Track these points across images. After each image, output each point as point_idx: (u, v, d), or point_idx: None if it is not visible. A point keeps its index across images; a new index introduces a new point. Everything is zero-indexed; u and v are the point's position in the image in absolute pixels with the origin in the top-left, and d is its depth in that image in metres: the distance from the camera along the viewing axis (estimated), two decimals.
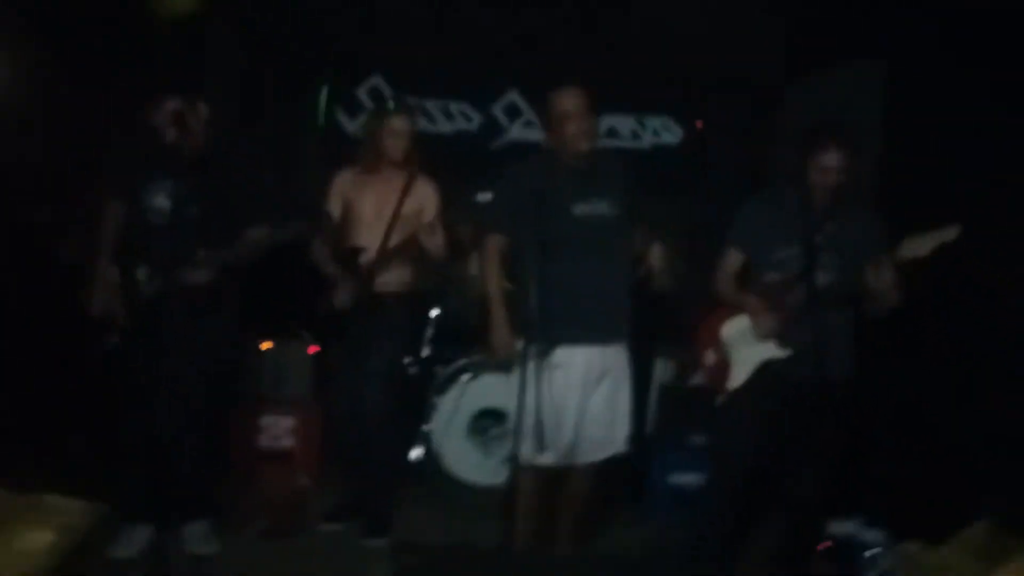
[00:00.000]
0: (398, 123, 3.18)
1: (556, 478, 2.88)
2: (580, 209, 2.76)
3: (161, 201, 2.89)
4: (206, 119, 2.89)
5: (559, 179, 2.76)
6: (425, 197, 3.21)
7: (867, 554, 3.01)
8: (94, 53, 3.92)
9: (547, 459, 2.74)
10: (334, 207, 3.26)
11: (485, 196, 3.13)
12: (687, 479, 3.60)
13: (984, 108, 3.18)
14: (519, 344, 2.68)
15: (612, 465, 2.92)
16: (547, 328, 2.54)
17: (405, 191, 3.18)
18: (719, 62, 4.92)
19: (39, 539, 2.68)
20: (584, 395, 2.77)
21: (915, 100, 3.71)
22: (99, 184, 3.20)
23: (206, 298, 2.83)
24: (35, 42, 3.40)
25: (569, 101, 2.75)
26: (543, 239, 2.59)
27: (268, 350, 3.83)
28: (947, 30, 3.41)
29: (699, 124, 5.27)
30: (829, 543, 3.04)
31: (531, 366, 2.58)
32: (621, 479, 3.41)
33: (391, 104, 3.36)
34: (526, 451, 2.63)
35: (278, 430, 3.71)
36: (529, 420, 2.60)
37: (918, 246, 2.46)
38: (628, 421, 2.89)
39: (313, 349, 3.85)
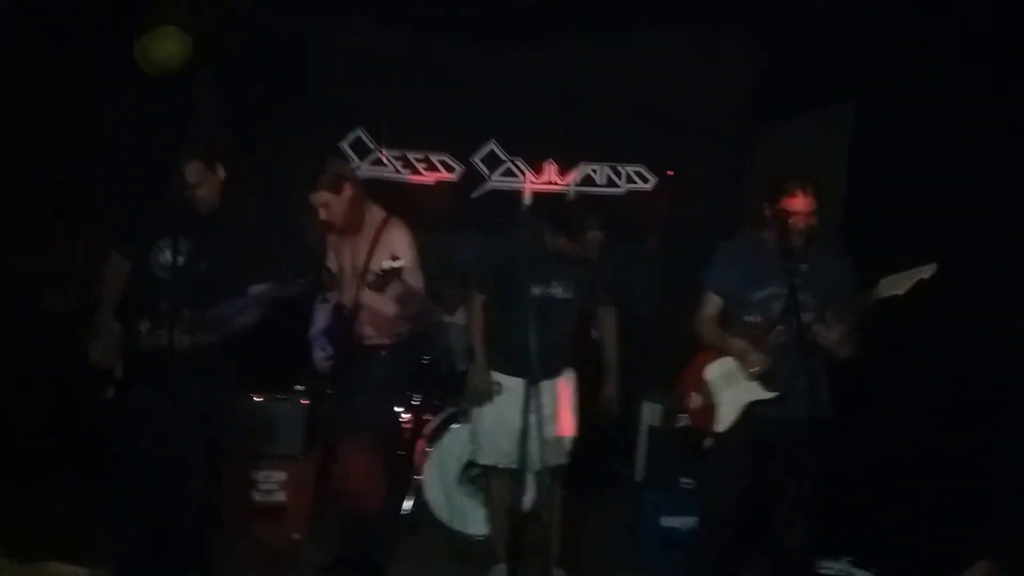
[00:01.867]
0: (320, 198, 3.14)
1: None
2: (537, 291, 3.16)
3: (168, 257, 2.90)
4: (222, 179, 2.95)
5: (522, 262, 3.14)
6: (395, 243, 3.16)
7: None
8: (95, 107, 3.98)
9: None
10: (332, 264, 3.31)
11: (463, 257, 3.25)
12: (678, 522, 3.64)
13: (951, 148, 3.29)
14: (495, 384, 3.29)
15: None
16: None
17: (374, 242, 3.19)
18: (690, 111, 5.10)
19: None
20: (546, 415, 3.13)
21: (881, 143, 3.85)
22: (98, 236, 3.22)
23: (207, 353, 2.83)
24: (39, 92, 3.43)
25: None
26: (506, 309, 3.18)
27: (260, 403, 3.82)
28: (912, 74, 3.55)
29: (670, 172, 5.44)
30: None
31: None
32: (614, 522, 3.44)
33: (318, 175, 3.17)
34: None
35: (271, 484, 3.71)
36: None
37: (896, 285, 2.52)
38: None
39: (306, 403, 3.86)
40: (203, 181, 2.87)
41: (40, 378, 3.37)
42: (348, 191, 3.16)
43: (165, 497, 2.43)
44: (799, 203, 2.74)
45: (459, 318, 4.56)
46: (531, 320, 2.84)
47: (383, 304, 3.10)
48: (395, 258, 2.86)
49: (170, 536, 2.48)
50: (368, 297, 3.09)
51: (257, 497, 3.72)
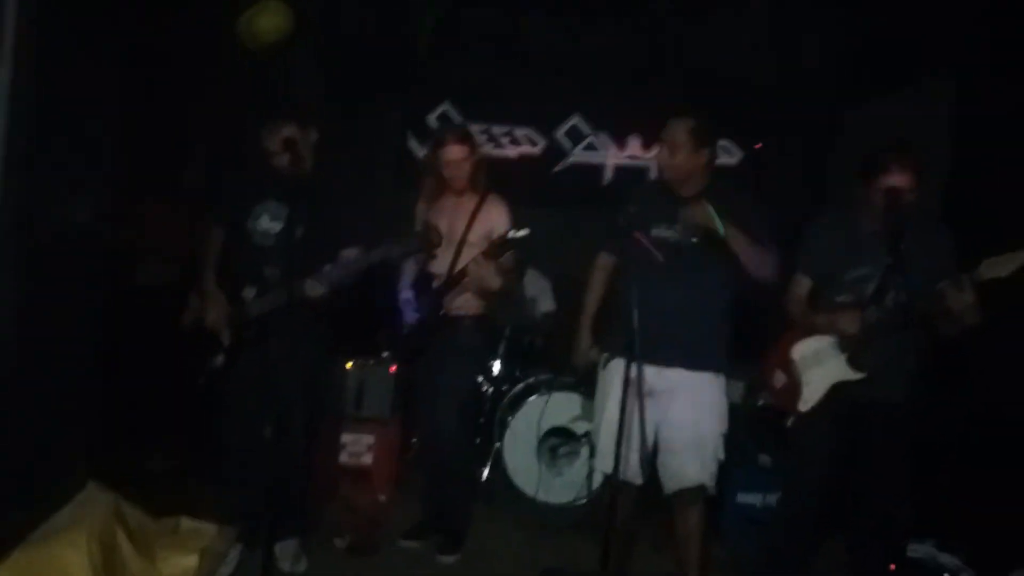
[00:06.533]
0: (453, 151, 3.19)
1: (641, 499, 2.90)
2: (660, 232, 2.81)
3: (267, 223, 2.98)
4: (314, 144, 2.98)
5: (653, 204, 2.82)
6: (495, 219, 3.19)
7: None
8: (189, 79, 4.10)
9: (634, 478, 2.81)
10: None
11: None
12: (756, 498, 3.63)
13: None
14: (598, 356, 2.90)
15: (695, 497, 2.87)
16: (631, 346, 2.52)
17: (474, 214, 3.22)
18: (780, 84, 4.97)
19: (184, 564, 2.78)
20: (659, 415, 2.79)
21: (984, 119, 3.69)
22: (196, 208, 3.30)
23: (308, 316, 2.88)
24: (133, 66, 3.58)
25: (667, 131, 2.79)
26: (634, 261, 2.71)
27: (350, 369, 3.95)
28: (1015, 47, 3.39)
29: (758, 146, 5.32)
30: (901, 565, 3.04)
31: (614, 382, 2.67)
32: None
33: (444, 133, 3.28)
34: (604, 467, 2.79)
35: (359, 446, 3.85)
36: (606, 437, 2.73)
37: (999, 266, 2.43)
38: (709, 455, 2.82)
39: (393, 369, 3.96)
40: (296, 143, 2.84)
41: (152, 348, 3.51)
42: (477, 151, 3.25)
43: (271, 459, 2.53)
44: (898, 179, 2.66)
45: (529, 289, 4.63)
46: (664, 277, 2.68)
47: (488, 275, 3.05)
48: (518, 228, 2.91)
49: (275, 497, 2.57)
50: (473, 267, 3.03)
51: (345, 459, 3.85)
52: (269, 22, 3.95)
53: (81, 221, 2.13)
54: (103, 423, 2.81)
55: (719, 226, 2.61)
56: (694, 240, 2.75)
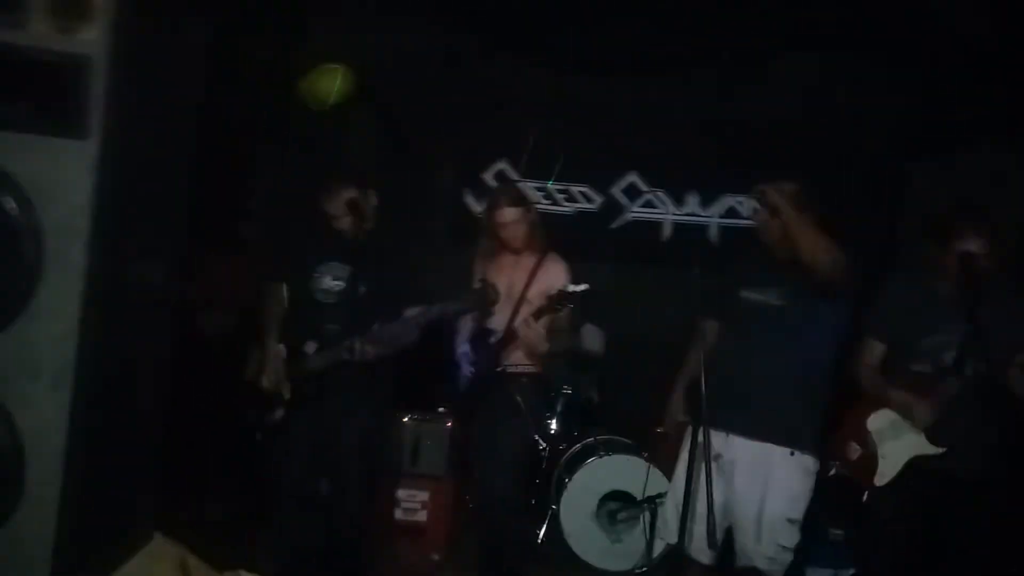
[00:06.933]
0: (509, 213, 3.19)
1: None
2: (749, 294, 2.66)
3: (330, 282, 3.06)
4: (375, 206, 3.07)
5: (745, 267, 2.75)
6: (554, 277, 3.18)
7: None
8: (255, 140, 4.27)
9: (699, 555, 2.58)
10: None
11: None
12: (826, 574, 3.47)
13: None
14: (686, 419, 2.70)
15: None
16: (711, 412, 2.35)
17: (533, 273, 3.22)
18: (838, 143, 4.91)
19: None
20: (733, 490, 2.58)
21: None
22: (259, 264, 3.40)
23: (367, 373, 2.93)
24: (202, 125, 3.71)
25: (775, 197, 2.58)
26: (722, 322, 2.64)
27: (406, 424, 3.94)
28: None
29: None
30: None
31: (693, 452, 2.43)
32: None
33: (498, 195, 3.31)
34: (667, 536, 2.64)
35: (413, 503, 3.82)
36: (670, 503, 2.63)
37: None
38: (784, 539, 2.55)
39: (449, 424, 3.95)
40: (357, 206, 2.96)
41: (217, 399, 3.59)
42: (532, 211, 3.26)
43: (327, 513, 2.53)
44: (973, 244, 2.59)
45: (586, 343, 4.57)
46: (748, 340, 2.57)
47: (537, 337, 3.07)
48: (577, 283, 2.91)
49: (331, 552, 2.56)
50: (523, 328, 3.05)
51: (399, 515, 3.82)
52: (329, 85, 4.11)
53: (154, 283, 2.21)
54: (169, 474, 2.86)
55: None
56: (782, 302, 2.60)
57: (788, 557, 2.56)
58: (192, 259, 3.54)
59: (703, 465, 2.34)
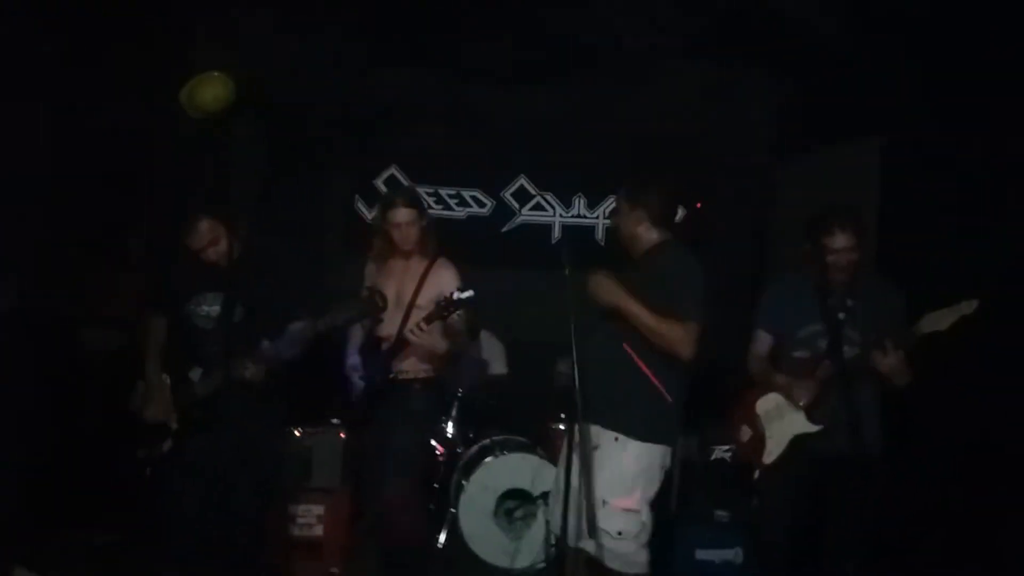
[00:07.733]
0: (401, 214, 3.19)
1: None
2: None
3: (207, 308, 3.03)
4: (242, 232, 3.00)
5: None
6: (444, 282, 3.17)
7: None
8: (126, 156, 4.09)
9: (586, 544, 2.62)
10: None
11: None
12: (714, 555, 3.62)
13: (983, 178, 3.31)
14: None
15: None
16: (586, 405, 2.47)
17: (423, 278, 3.22)
18: (715, 147, 5.17)
19: None
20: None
21: (911, 175, 3.88)
22: (139, 284, 3.29)
23: (253, 394, 2.88)
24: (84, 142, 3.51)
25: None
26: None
27: (299, 438, 3.85)
28: (939, 105, 3.58)
29: (699, 205, 5.48)
30: None
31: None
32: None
33: (393, 196, 3.31)
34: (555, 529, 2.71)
35: (309, 518, 3.72)
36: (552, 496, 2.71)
37: (938, 320, 2.55)
38: (605, 522, 2.59)
39: (342, 435, 3.88)
40: (217, 237, 2.94)
41: (96, 425, 3.45)
42: (426, 214, 3.26)
43: (219, 535, 2.46)
44: (839, 240, 2.79)
45: (483, 351, 4.63)
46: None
47: (434, 340, 3.09)
48: (463, 289, 2.94)
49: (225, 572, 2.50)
50: (417, 332, 3.05)
51: (295, 531, 3.72)
52: (209, 92, 3.97)
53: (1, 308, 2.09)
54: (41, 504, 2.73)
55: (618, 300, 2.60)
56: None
57: (616, 545, 2.59)
58: (67, 276, 3.39)
59: (574, 456, 2.47)
